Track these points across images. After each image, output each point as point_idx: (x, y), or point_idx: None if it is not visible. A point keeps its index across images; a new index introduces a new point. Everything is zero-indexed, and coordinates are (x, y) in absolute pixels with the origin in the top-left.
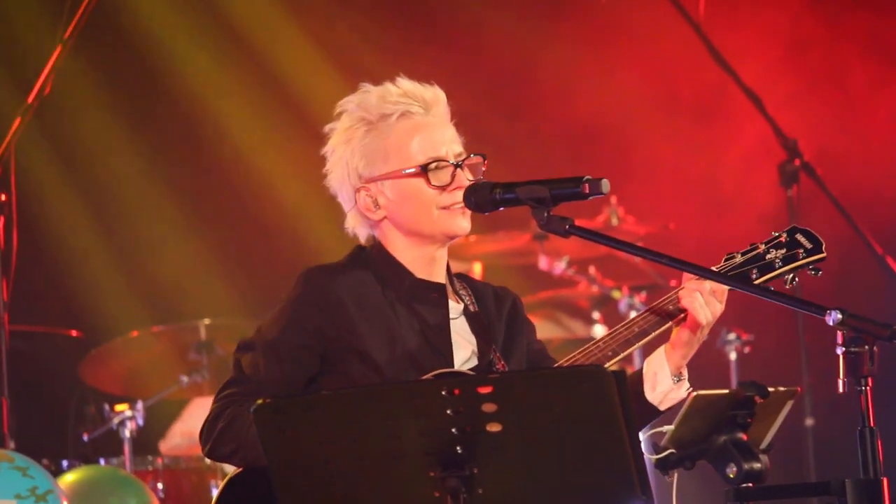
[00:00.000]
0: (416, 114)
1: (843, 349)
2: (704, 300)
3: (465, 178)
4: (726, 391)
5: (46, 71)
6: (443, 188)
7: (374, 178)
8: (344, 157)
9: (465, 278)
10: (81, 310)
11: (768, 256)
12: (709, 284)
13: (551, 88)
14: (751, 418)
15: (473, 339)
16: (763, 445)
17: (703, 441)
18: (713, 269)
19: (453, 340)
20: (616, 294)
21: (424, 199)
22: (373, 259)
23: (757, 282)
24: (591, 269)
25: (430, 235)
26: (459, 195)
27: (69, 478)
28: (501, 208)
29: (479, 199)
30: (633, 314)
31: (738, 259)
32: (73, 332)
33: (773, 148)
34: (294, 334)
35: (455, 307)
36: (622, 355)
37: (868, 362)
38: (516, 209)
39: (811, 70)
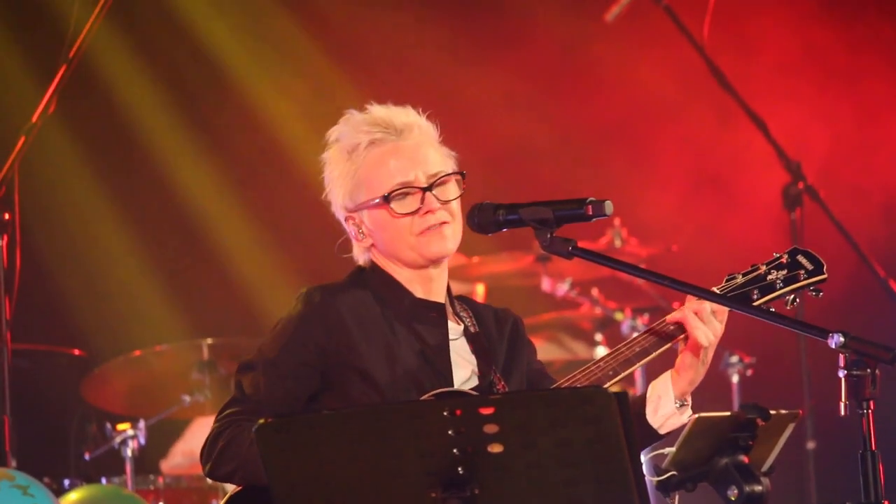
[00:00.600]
0: (385, 140)
1: (845, 372)
2: (704, 320)
3: (436, 200)
4: (728, 413)
5: (51, 90)
6: (412, 214)
7: (354, 209)
8: (332, 187)
9: (465, 300)
10: (84, 328)
11: (769, 277)
12: (709, 305)
13: (550, 109)
14: (752, 441)
15: (474, 360)
16: (764, 468)
17: (705, 463)
18: (714, 289)
19: (453, 360)
20: (619, 316)
21: (397, 227)
22: (372, 279)
23: (757, 303)
24: (594, 291)
25: (413, 260)
26: (433, 218)
27: (72, 497)
28: (504, 229)
29: (482, 221)
30: (635, 335)
31: (740, 280)
32: (76, 351)
33: (776, 170)
34: (294, 353)
35: (455, 328)
36: (623, 375)
37: (870, 385)
38: (519, 230)
39: (815, 92)
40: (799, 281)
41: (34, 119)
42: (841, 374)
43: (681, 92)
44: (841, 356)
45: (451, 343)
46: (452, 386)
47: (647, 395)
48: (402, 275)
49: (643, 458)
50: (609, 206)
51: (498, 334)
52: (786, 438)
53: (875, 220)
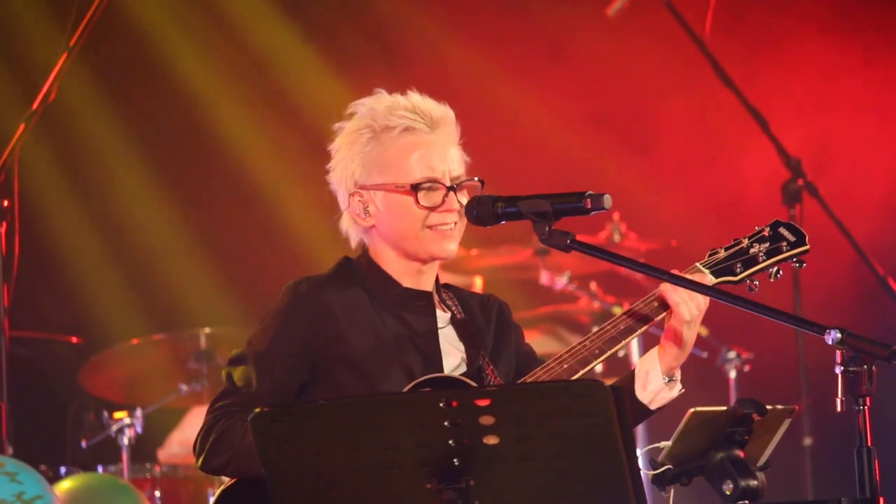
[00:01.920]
0: (421, 130)
1: (842, 368)
2: (687, 295)
3: (458, 201)
4: (724, 408)
5: (51, 78)
6: (432, 209)
7: (368, 187)
8: (346, 159)
9: (451, 288)
10: (82, 316)
11: (752, 250)
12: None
13: (551, 104)
14: (748, 436)
15: (462, 346)
16: (760, 463)
17: (701, 457)
18: (698, 264)
19: (442, 348)
20: (617, 310)
21: (412, 216)
22: (360, 270)
23: (741, 276)
24: (593, 285)
25: (414, 253)
26: (449, 217)
27: (65, 485)
28: (503, 222)
29: (481, 213)
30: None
31: (722, 254)
32: (74, 339)
33: (776, 167)
34: (283, 344)
35: (442, 316)
36: (609, 353)
37: (866, 382)
38: (518, 224)
39: (814, 88)
40: (781, 253)
41: (34, 106)
42: (837, 370)
43: (682, 87)
44: (838, 352)
45: (439, 331)
46: (442, 373)
47: (636, 372)
48: (392, 264)
49: (639, 452)
50: (608, 200)
51: (484, 320)
52: (782, 434)
53: (874, 218)
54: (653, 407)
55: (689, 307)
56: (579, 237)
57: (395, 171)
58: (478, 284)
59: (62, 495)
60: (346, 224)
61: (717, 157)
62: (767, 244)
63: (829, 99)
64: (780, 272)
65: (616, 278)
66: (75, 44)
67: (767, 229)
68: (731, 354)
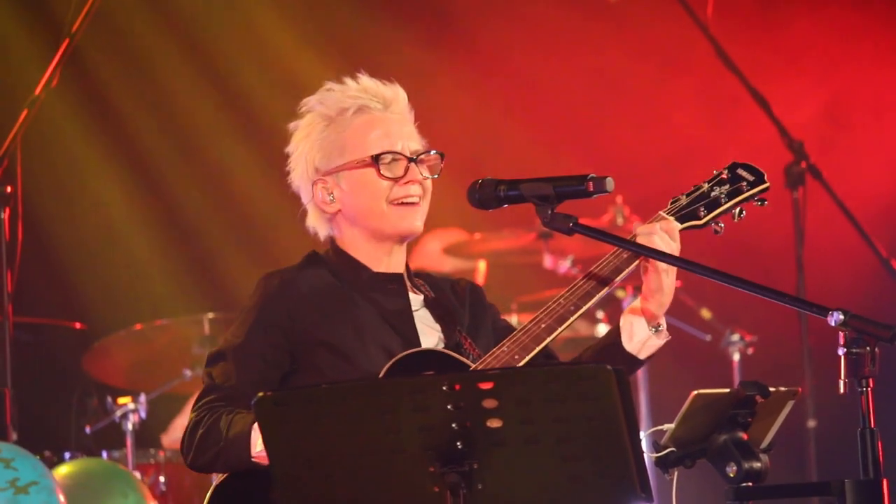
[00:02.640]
0: (374, 109)
1: (845, 350)
2: (660, 238)
3: (420, 173)
4: (727, 390)
5: (53, 64)
6: (394, 180)
7: (330, 171)
8: (304, 152)
9: (421, 274)
10: (85, 302)
11: (713, 193)
12: (658, 225)
13: (555, 87)
14: (751, 418)
15: (438, 326)
16: (763, 445)
17: (704, 440)
18: (661, 212)
19: (419, 329)
20: (620, 293)
21: (375, 191)
22: (328, 259)
23: (705, 219)
24: None
25: (380, 230)
26: (413, 189)
27: (63, 470)
28: (505, 206)
29: (484, 196)
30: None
31: (684, 200)
32: (77, 325)
33: (778, 149)
34: (260, 336)
35: (415, 298)
36: (584, 308)
37: (869, 363)
38: (521, 207)
39: (816, 70)
40: (742, 193)
41: (37, 92)
42: (840, 352)
43: (683, 70)
44: (841, 334)
45: (413, 313)
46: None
47: (621, 325)
48: (361, 250)
49: (642, 434)
50: (610, 183)
51: (458, 301)
52: (785, 416)
53: (877, 200)
54: (642, 356)
55: (665, 243)
56: (582, 221)
57: (354, 149)
58: (481, 268)
59: (61, 480)
60: (312, 219)
61: (720, 140)
62: (727, 186)
63: (832, 82)
64: (744, 213)
65: None
66: (77, 29)
67: (726, 171)
68: (735, 337)
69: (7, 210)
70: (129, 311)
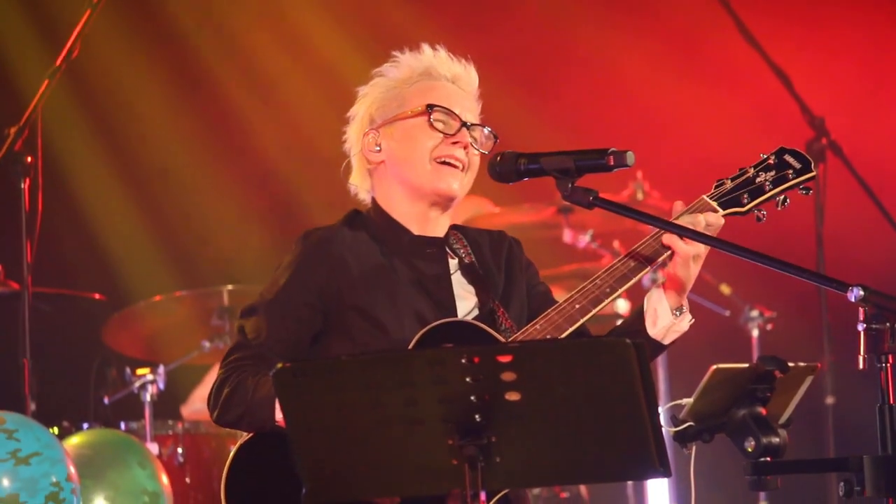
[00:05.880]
0: (440, 77)
1: (864, 326)
2: (685, 239)
3: (470, 138)
4: (746, 365)
5: (75, 33)
6: (444, 135)
7: (385, 122)
8: (362, 109)
9: (459, 229)
10: (105, 273)
11: (758, 180)
12: (703, 217)
13: (577, 62)
14: (770, 393)
15: (472, 290)
16: (782, 420)
17: (722, 414)
18: (704, 196)
19: (455, 293)
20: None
21: (422, 143)
22: (370, 219)
23: (748, 206)
24: (616, 243)
25: (419, 187)
26: (459, 152)
27: (74, 440)
28: (526, 179)
29: (504, 170)
30: (653, 288)
31: (728, 185)
32: (97, 295)
33: (800, 125)
34: (295, 293)
35: (452, 263)
36: (620, 291)
37: (889, 339)
38: (542, 181)
39: (838, 47)
40: (788, 180)
41: (58, 62)
42: (860, 327)
43: (704, 47)
44: (860, 310)
45: (451, 277)
46: (456, 317)
47: (644, 310)
48: (402, 209)
49: (661, 408)
50: (631, 157)
51: (494, 260)
52: (804, 391)
53: None
54: (666, 342)
55: (689, 248)
56: (602, 196)
57: (412, 102)
58: None
59: (72, 450)
60: (355, 175)
61: (739, 116)
62: (773, 172)
63: (853, 59)
64: (788, 200)
65: (639, 236)
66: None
67: (773, 157)
68: (754, 313)
69: (27, 180)
70: (148, 282)
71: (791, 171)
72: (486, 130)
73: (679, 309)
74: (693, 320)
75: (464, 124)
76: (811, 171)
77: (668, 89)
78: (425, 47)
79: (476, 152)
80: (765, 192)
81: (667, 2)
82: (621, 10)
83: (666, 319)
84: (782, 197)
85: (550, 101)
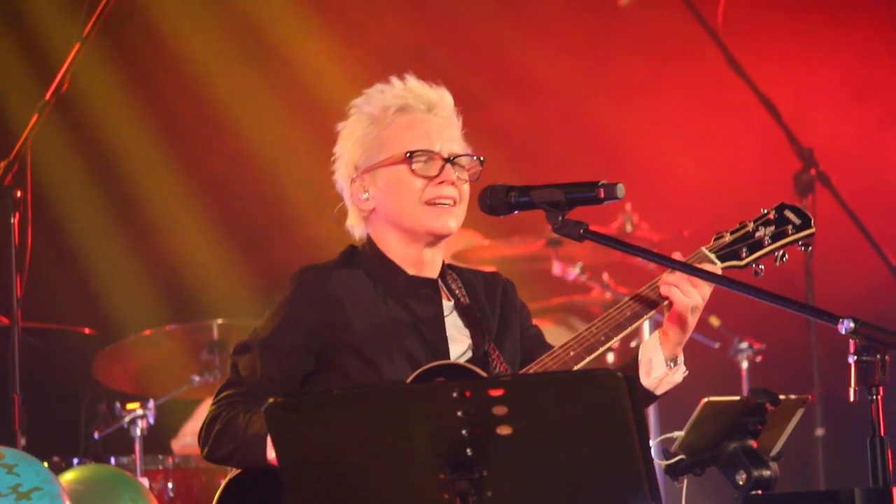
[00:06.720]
0: (417, 110)
1: (855, 358)
2: (683, 291)
3: (453, 173)
4: (737, 398)
5: (64, 68)
6: (428, 179)
7: (368, 168)
8: (347, 151)
9: (455, 269)
10: (95, 307)
11: (757, 234)
12: (684, 276)
13: (564, 94)
14: (761, 425)
15: (467, 332)
16: (773, 453)
17: (714, 447)
18: (703, 249)
19: (449, 334)
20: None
21: (409, 190)
22: (365, 257)
23: (746, 260)
24: (605, 276)
25: (413, 231)
26: (447, 190)
27: (68, 476)
28: (516, 211)
29: (494, 202)
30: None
31: (728, 238)
32: (86, 330)
33: (788, 157)
34: (289, 333)
35: (447, 303)
36: (615, 339)
37: (879, 371)
38: (531, 214)
39: (828, 78)
40: (787, 236)
41: (47, 97)
42: (851, 359)
43: (692, 77)
44: (851, 342)
45: (445, 319)
46: (448, 360)
47: (639, 359)
48: (396, 251)
49: (652, 441)
50: (621, 190)
51: (489, 301)
52: (795, 424)
53: (888, 207)
54: (658, 392)
55: (686, 301)
56: (591, 228)
57: (392, 146)
58: None
59: (67, 486)
60: (350, 218)
61: (729, 148)
62: (773, 227)
63: (839, 88)
64: (786, 256)
65: (628, 268)
66: (88, 34)
67: (773, 212)
68: (744, 345)
69: (17, 214)
70: (138, 316)
71: (791, 227)
72: (473, 158)
73: (674, 360)
74: (687, 372)
75: (447, 160)
76: (811, 228)
77: (656, 120)
78: (394, 80)
79: (465, 182)
80: (763, 247)
81: (656, 33)
82: (610, 41)
83: (660, 370)
84: (781, 252)
85: (538, 132)
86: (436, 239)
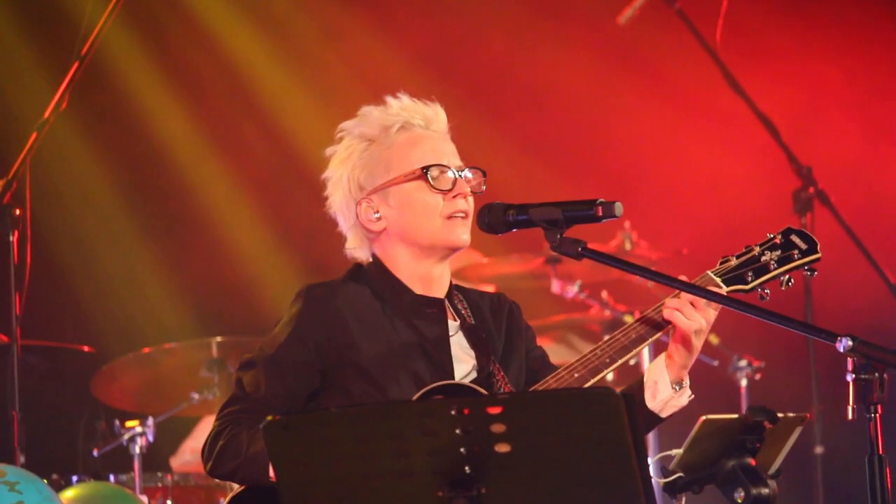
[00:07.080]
0: (417, 126)
1: (853, 376)
2: (685, 314)
3: (467, 186)
4: (736, 416)
5: (63, 87)
6: (445, 193)
7: (376, 188)
8: (344, 174)
9: (461, 290)
10: (94, 325)
11: (763, 258)
12: (685, 297)
13: (563, 112)
14: (760, 443)
15: (472, 353)
16: (771, 471)
17: (712, 465)
18: (709, 272)
19: (454, 355)
20: (628, 318)
21: (427, 205)
22: (371, 276)
23: (751, 285)
24: (604, 294)
25: (430, 246)
26: (462, 204)
27: (69, 493)
28: (514, 230)
29: (493, 221)
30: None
31: (734, 262)
32: (85, 348)
33: (787, 175)
34: (294, 350)
35: (453, 323)
36: (620, 362)
37: (878, 389)
38: (529, 232)
39: (827, 97)
40: (793, 261)
41: (46, 115)
42: (849, 378)
43: (691, 96)
44: (849, 360)
45: (450, 339)
46: (453, 380)
47: (644, 382)
48: (404, 269)
49: (650, 459)
50: (619, 208)
51: (495, 323)
52: (793, 441)
53: (887, 226)
54: (663, 415)
55: (690, 324)
56: (590, 246)
57: (400, 164)
58: None
59: (67, 503)
60: (352, 243)
61: (728, 165)
62: (779, 252)
63: (837, 107)
64: (792, 280)
65: (627, 287)
66: (87, 52)
67: (779, 237)
68: (742, 363)
69: (16, 233)
70: (137, 334)
71: (797, 252)
72: (476, 170)
73: (679, 383)
74: (692, 396)
75: (458, 174)
76: (817, 253)
77: (655, 139)
78: (389, 100)
79: (470, 195)
80: (769, 272)
81: (655, 53)
82: (609, 61)
83: (665, 393)
84: (787, 277)
85: (539, 150)
86: (450, 253)
